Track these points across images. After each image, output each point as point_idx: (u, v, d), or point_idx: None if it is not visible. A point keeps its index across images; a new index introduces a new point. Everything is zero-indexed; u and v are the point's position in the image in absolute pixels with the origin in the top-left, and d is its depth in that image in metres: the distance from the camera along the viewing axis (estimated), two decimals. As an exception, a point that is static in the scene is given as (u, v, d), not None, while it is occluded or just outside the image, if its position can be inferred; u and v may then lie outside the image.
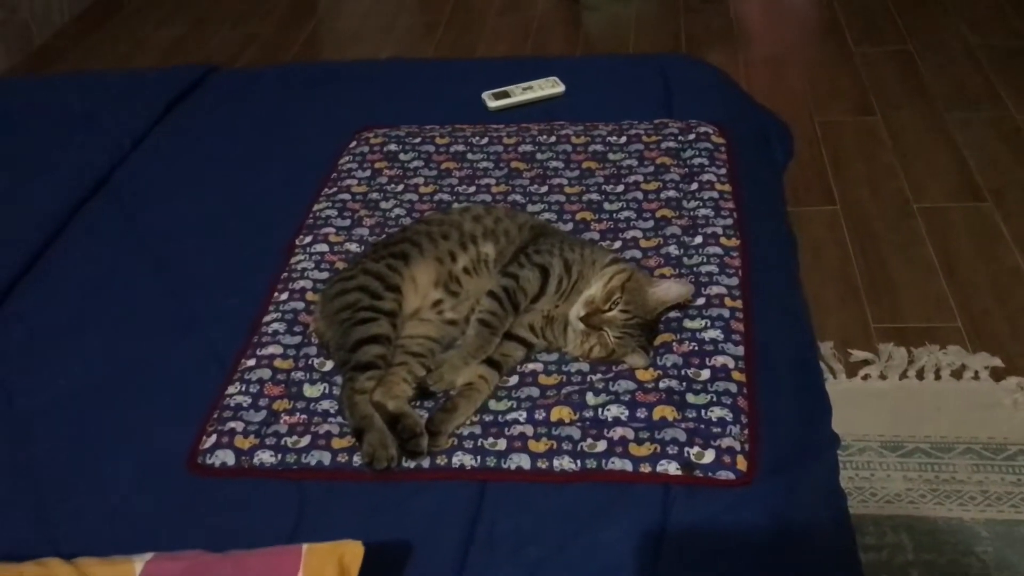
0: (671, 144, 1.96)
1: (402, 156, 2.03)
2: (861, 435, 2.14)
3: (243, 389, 1.48)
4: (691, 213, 1.76)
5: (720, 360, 1.44)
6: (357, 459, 1.36)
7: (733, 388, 1.40)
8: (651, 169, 1.90)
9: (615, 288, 1.46)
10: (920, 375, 2.29)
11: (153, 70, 2.61)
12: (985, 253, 2.66)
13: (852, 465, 2.07)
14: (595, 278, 1.50)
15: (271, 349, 1.55)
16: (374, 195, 1.92)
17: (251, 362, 1.53)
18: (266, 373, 1.51)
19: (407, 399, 1.44)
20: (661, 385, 1.40)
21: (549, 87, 2.23)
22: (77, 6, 4.38)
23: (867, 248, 2.72)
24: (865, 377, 2.30)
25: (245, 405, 1.45)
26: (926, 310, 2.49)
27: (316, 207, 1.89)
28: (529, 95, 2.22)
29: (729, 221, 1.73)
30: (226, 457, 1.38)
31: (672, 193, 1.82)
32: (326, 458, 1.37)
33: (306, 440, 1.39)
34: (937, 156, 3.07)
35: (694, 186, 1.83)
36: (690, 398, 1.38)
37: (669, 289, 1.49)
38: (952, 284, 2.55)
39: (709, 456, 1.30)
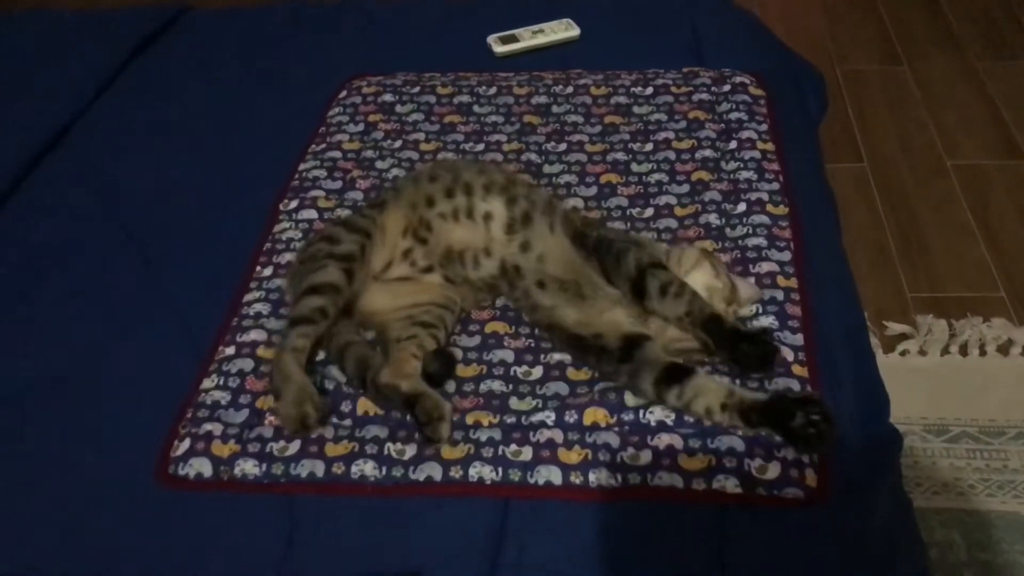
0: (704, 96, 1.74)
1: (399, 108, 1.81)
2: (902, 418, 1.95)
3: (221, 383, 1.28)
4: (731, 176, 1.55)
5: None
6: (356, 469, 1.16)
7: (795, 385, 1.20)
8: (683, 125, 1.68)
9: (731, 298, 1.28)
10: (963, 351, 2.11)
11: (118, 9, 2.35)
12: (1027, 215, 2.46)
13: (894, 451, 1.88)
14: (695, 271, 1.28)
15: (253, 335, 1.34)
16: (368, 153, 1.70)
17: (230, 350, 1.32)
18: (247, 364, 1.30)
19: (419, 376, 1.24)
20: (712, 383, 1.20)
21: (562, 30, 2.01)
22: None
23: (898, 209, 2.52)
24: (904, 353, 2.11)
25: (223, 403, 1.25)
26: (966, 278, 2.29)
27: (302, 167, 1.68)
28: (540, 39, 1.99)
29: (775, 186, 1.53)
30: (202, 467, 1.18)
31: (708, 153, 1.61)
32: (319, 468, 1.16)
33: (295, 446, 1.19)
34: (970, 109, 2.85)
35: (732, 144, 1.62)
36: (746, 398, 1.18)
37: (745, 290, 1.31)
38: (992, 249, 2.36)
39: (773, 471, 1.11)
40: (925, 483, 1.84)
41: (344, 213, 1.54)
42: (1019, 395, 1.99)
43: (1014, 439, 1.90)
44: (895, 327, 2.17)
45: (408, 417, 1.20)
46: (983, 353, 2.10)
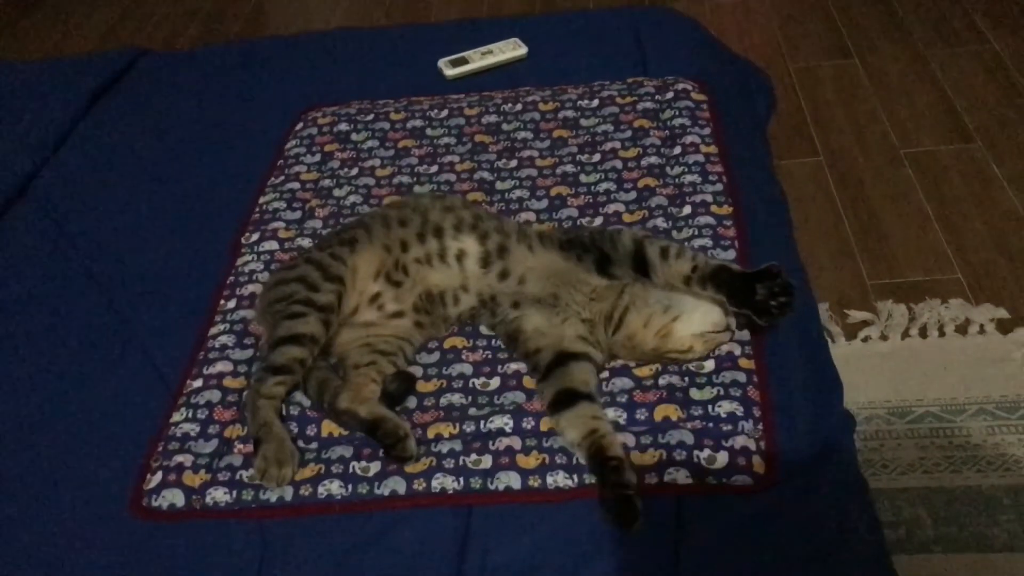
0: (648, 105, 1.79)
1: (354, 136, 1.85)
2: (866, 402, 2.00)
3: (190, 415, 1.31)
4: (676, 180, 1.60)
5: (725, 348, 1.29)
6: (323, 489, 1.20)
7: (741, 378, 1.25)
8: (628, 134, 1.73)
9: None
10: (923, 333, 2.16)
11: (77, 57, 2.38)
12: (979, 197, 2.51)
13: (860, 436, 1.92)
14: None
15: (219, 366, 1.38)
16: (326, 182, 1.74)
17: (197, 383, 1.36)
18: (215, 395, 1.34)
19: (377, 400, 1.28)
20: (661, 382, 1.25)
21: (510, 50, 2.06)
22: (1, -9, 4.11)
23: (856, 199, 2.57)
24: (865, 339, 2.16)
25: (193, 434, 1.29)
26: (924, 262, 2.34)
27: (262, 199, 1.71)
28: (489, 60, 2.04)
29: (719, 187, 1.57)
30: (174, 497, 1.22)
31: (654, 159, 1.66)
32: (287, 491, 1.20)
33: (264, 472, 1.22)
34: (921, 97, 2.91)
35: (677, 150, 1.67)
36: (694, 393, 1.23)
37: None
38: (948, 233, 2.41)
39: (722, 459, 1.15)
40: (891, 464, 1.88)
41: (304, 243, 1.58)
42: (978, 372, 2.04)
43: (975, 415, 1.95)
44: (856, 315, 2.21)
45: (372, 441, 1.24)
46: (942, 334, 2.14)
